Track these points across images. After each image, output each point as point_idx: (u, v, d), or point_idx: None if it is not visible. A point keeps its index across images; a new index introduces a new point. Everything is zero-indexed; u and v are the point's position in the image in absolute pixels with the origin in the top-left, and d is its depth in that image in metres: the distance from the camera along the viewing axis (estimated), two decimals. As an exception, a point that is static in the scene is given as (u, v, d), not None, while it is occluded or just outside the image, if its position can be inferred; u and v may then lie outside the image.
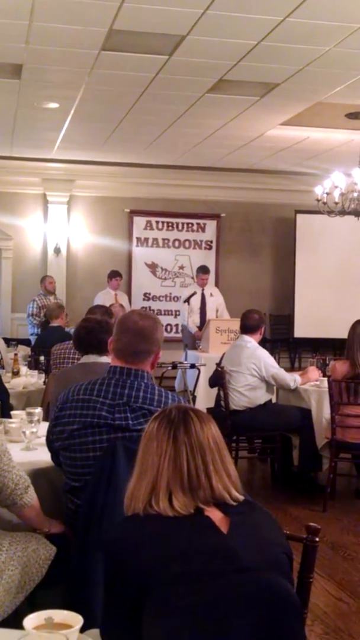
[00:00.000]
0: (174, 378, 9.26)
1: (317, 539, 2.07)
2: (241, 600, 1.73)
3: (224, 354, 6.35)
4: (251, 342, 6.08)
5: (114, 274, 10.86)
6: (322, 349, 10.66)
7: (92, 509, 2.71)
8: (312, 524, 2.07)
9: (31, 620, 1.61)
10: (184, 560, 1.75)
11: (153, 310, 11.75)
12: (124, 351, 2.95)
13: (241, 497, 1.93)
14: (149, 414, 2.84)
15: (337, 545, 4.85)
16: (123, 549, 1.80)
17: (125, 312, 6.69)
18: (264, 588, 1.76)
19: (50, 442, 3.02)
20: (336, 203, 8.77)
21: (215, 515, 1.85)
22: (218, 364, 6.24)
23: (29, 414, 3.64)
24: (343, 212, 8.97)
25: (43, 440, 3.19)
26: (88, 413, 2.87)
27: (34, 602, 2.79)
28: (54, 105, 8.08)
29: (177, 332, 11.18)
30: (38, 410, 3.74)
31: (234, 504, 1.90)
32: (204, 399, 8.22)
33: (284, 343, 11.91)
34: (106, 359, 3.94)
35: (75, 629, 1.60)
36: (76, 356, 5.01)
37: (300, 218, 11.72)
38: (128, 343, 2.95)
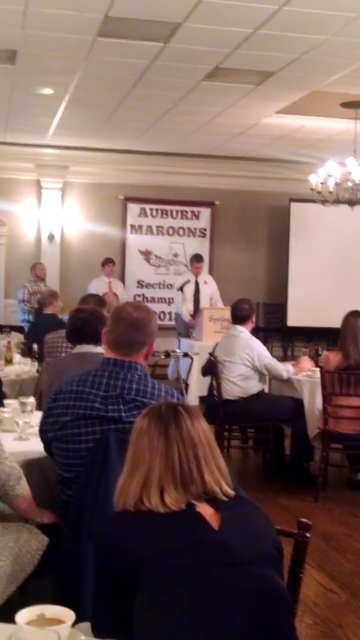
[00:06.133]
0: (167, 366, 9.27)
1: (308, 535, 2.08)
2: (232, 594, 1.74)
3: (216, 344, 6.35)
4: (244, 332, 6.08)
5: (107, 261, 10.84)
6: (316, 338, 10.67)
7: (84, 500, 2.72)
8: (303, 519, 2.08)
9: (23, 616, 1.62)
10: (174, 555, 1.76)
11: (146, 298, 11.75)
12: (117, 342, 2.96)
13: (232, 492, 1.94)
14: (142, 405, 2.85)
15: (328, 536, 4.88)
16: (113, 545, 1.81)
17: (119, 301, 6.70)
18: (254, 582, 1.77)
19: (43, 433, 3.02)
20: (330, 192, 8.76)
21: (206, 510, 1.86)
22: (211, 354, 6.24)
23: (22, 404, 3.64)
24: (337, 202, 8.97)
25: (36, 430, 3.19)
26: (81, 405, 2.88)
27: (25, 592, 2.80)
28: (48, 91, 8.03)
29: (170, 320, 11.16)
30: (31, 399, 3.74)
31: (225, 499, 1.91)
32: (197, 387, 8.24)
33: (278, 332, 11.92)
34: (101, 350, 3.93)
35: (67, 624, 1.61)
36: (69, 345, 5.00)
37: (294, 207, 11.70)
38: (122, 334, 2.96)
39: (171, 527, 1.80)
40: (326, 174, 8.80)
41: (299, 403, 5.92)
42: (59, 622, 1.61)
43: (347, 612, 3.82)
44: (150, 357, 3.13)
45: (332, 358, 5.69)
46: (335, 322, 6.16)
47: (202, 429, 1.95)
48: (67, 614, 1.63)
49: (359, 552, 4.66)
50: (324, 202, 9.04)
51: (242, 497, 1.96)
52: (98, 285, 10.33)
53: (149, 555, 1.75)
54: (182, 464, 1.88)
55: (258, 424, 6.31)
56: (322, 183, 8.82)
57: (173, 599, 1.71)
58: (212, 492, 1.89)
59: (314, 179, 8.94)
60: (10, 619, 1.67)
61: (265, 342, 7.04)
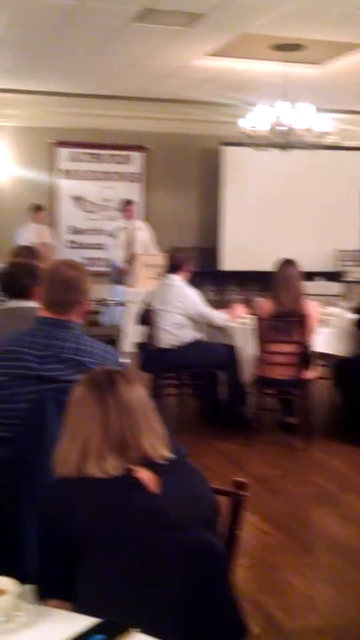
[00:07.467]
0: (101, 314, 9.25)
1: (243, 493, 2.14)
2: (171, 558, 1.79)
3: (150, 292, 6.36)
4: (178, 280, 6.11)
5: (35, 208, 10.60)
6: (249, 281, 10.76)
7: (22, 460, 2.73)
8: (239, 478, 2.14)
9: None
10: (115, 522, 1.79)
11: (79, 244, 11.63)
12: (52, 302, 2.97)
13: (170, 455, 1.98)
14: (79, 364, 2.88)
15: (261, 478, 5.02)
16: (55, 513, 1.83)
17: (52, 251, 6.60)
18: (191, 545, 1.82)
19: (-21, 394, 3.01)
20: (264, 136, 8.76)
21: (144, 475, 1.90)
22: (146, 303, 6.25)
23: None
24: (270, 145, 8.98)
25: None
26: (16, 365, 2.87)
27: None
28: (-28, 31, 7.74)
29: (103, 266, 11.07)
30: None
31: (163, 462, 1.95)
32: (133, 334, 8.24)
33: (210, 276, 11.95)
34: (32, 304, 3.91)
35: (8, 596, 1.63)
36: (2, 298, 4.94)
37: (225, 150, 11.64)
38: (56, 294, 2.97)
39: (111, 495, 1.84)
40: (257, 118, 8.78)
41: (232, 350, 6.01)
42: (1, 592, 1.63)
43: (282, 552, 3.97)
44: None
45: (265, 305, 5.78)
46: (267, 266, 6.23)
47: (139, 395, 1.98)
48: (10, 585, 1.66)
49: (292, 493, 4.82)
50: (255, 145, 9.04)
51: (180, 461, 2.00)
52: (27, 234, 10.12)
53: (90, 526, 1.78)
54: (119, 432, 1.90)
55: (193, 372, 6.40)
56: (253, 127, 8.81)
57: (114, 567, 1.75)
58: (150, 456, 1.93)
59: (244, 123, 8.92)
60: None
61: (198, 286, 7.03)
